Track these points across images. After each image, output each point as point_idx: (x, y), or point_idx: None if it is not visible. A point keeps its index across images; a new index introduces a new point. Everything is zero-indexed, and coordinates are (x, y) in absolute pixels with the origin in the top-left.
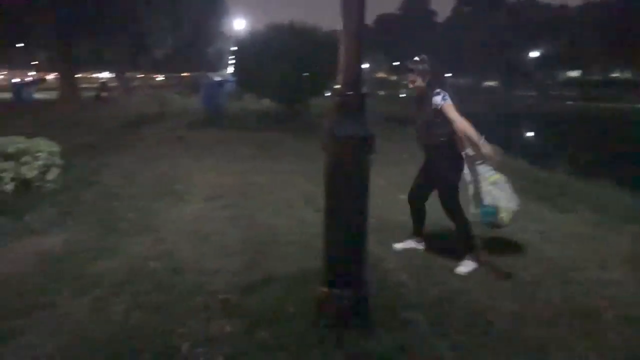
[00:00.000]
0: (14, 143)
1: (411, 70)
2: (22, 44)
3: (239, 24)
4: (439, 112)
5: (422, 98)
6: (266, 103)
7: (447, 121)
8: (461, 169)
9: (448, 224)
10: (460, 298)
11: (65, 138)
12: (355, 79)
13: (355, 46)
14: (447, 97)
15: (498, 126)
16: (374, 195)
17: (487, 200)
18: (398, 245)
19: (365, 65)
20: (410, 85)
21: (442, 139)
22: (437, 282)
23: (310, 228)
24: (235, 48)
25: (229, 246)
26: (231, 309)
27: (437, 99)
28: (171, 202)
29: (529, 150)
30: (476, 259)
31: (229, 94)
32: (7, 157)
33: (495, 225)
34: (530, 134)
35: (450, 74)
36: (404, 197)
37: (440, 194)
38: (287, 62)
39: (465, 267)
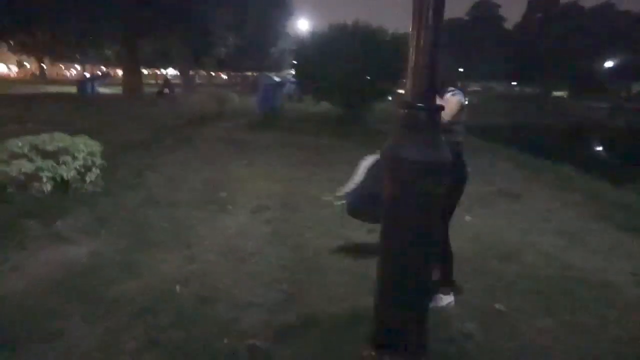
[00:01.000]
0: (55, 141)
1: None
2: (93, 40)
3: (302, 24)
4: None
5: None
6: (326, 106)
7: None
8: None
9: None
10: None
11: (119, 134)
12: (428, 90)
13: (430, 46)
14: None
15: (572, 140)
16: None
17: None
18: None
19: None
20: None
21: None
22: (511, 334)
23: (363, 254)
24: (296, 48)
25: (268, 272)
26: (258, 359)
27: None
28: (212, 212)
29: (606, 168)
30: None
31: (287, 96)
32: (46, 155)
33: None
34: (602, 148)
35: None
36: (470, 219)
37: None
38: (349, 64)
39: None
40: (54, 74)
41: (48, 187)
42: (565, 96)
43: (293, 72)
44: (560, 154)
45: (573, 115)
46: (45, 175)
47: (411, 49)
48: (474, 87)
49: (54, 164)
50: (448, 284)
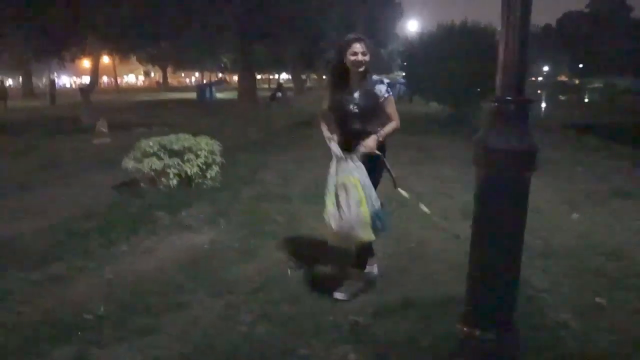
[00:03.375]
0: (180, 140)
1: (361, 40)
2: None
3: (412, 25)
4: (380, 105)
5: (362, 81)
6: (434, 106)
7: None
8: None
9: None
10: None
11: (235, 136)
12: (517, 82)
13: (518, 43)
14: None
15: None
16: (543, 213)
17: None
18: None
19: (545, 68)
20: (361, 58)
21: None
22: (609, 328)
23: (465, 245)
24: (405, 49)
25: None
26: (360, 333)
27: (383, 88)
28: (322, 206)
29: None
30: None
31: (397, 97)
32: (173, 154)
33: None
34: None
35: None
36: (577, 216)
37: None
38: (457, 64)
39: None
40: (176, 82)
41: (174, 182)
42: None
43: (402, 73)
44: None
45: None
46: (172, 171)
47: (500, 47)
48: (595, 83)
49: (180, 162)
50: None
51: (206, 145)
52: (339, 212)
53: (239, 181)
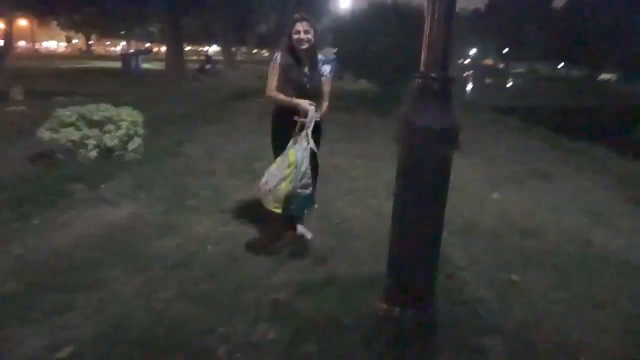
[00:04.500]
0: (100, 111)
1: (303, 20)
2: (137, 16)
3: (344, 2)
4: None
5: (310, 59)
6: (363, 84)
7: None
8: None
9: None
10: (550, 325)
11: (161, 108)
12: (441, 59)
13: (443, 18)
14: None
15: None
16: (465, 192)
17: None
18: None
19: (472, 51)
20: (304, 37)
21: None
22: (524, 303)
23: (389, 222)
24: (336, 26)
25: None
26: (280, 311)
27: (327, 69)
28: (247, 182)
29: None
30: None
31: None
32: (92, 124)
33: None
34: None
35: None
36: (498, 196)
37: None
38: (388, 42)
39: None
40: (101, 50)
41: (93, 153)
42: (613, 80)
43: (334, 50)
44: (600, 137)
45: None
46: (91, 142)
47: (426, 22)
48: (518, 68)
49: (99, 133)
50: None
51: (128, 116)
52: (267, 174)
53: (163, 154)
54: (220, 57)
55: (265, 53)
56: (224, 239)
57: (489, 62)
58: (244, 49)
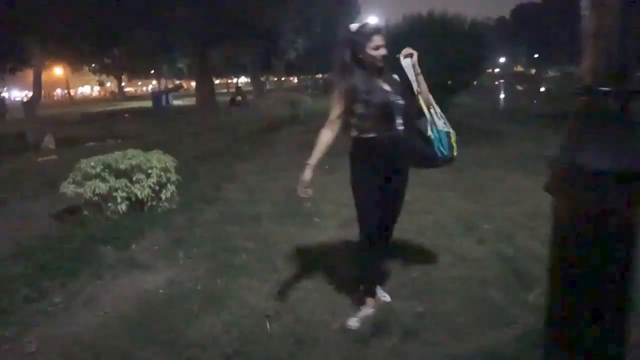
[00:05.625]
0: (127, 158)
1: (382, 31)
2: (165, 54)
3: (371, 21)
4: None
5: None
6: None
7: None
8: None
9: None
10: None
11: (194, 146)
12: (619, 63)
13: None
14: None
15: None
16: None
17: None
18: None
19: (501, 59)
20: (384, 52)
21: None
22: None
23: (477, 270)
24: None
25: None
26: None
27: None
28: (298, 226)
29: None
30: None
31: None
32: (120, 174)
33: None
34: None
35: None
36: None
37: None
38: (427, 57)
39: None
40: (132, 90)
41: (123, 207)
42: None
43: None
44: None
45: None
46: (119, 195)
47: (589, 13)
48: (551, 73)
49: (128, 183)
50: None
51: (158, 162)
52: None
53: (200, 200)
54: (250, 88)
55: (294, 80)
56: (284, 311)
57: (519, 69)
58: (273, 78)
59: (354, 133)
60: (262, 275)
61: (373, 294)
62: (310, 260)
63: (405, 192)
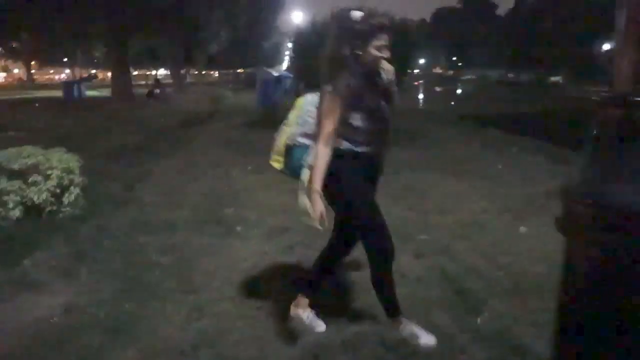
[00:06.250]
0: (22, 157)
1: (389, 30)
2: (79, 41)
3: (296, 17)
4: None
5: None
6: None
7: None
8: None
9: None
10: None
11: (107, 141)
12: None
13: None
14: None
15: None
16: (485, 229)
17: None
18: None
19: (421, 61)
20: (385, 56)
21: None
22: None
23: (419, 289)
24: (295, 39)
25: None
26: None
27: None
28: (219, 236)
29: None
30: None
31: (287, 90)
32: (13, 175)
33: None
34: None
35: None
36: (526, 230)
37: None
38: None
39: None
40: (43, 78)
41: (17, 213)
42: (561, 81)
43: (286, 66)
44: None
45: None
46: (12, 199)
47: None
48: (469, 75)
49: (22, 185)
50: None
51: (59, 162)
52: None
53: (109, 204)
54: (170, 81)
55: (215, 74)
56: (203, 344)
57: (438, 70)
58: (194, 71)
59: (343, 145)
60: (178, 297)
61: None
62: (234, 279)
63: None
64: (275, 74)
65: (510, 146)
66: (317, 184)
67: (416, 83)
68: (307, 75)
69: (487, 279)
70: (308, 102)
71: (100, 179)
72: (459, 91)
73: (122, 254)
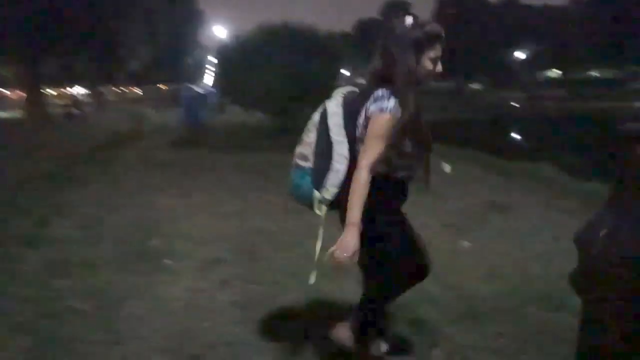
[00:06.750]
0: None
1: (444, 40)
2: None
3: (219, 32)
4: None
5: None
6: (254, 116)
7: None
8: None
9: None
10: None
11: (17, 168)
12: None
13: None
14: None
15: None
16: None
17: None
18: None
19: (346, 72)
20: (440, 70)
21: None
22: None
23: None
24: (216, 56)
25: None
26: None
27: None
28: (145, 274)
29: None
30: None
31: (212, 108)
32: None
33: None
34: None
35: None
36: (469, 244)
37: None
38: (280, 68)
39: None
40: None
41: None
42: (480, 89)
43: (212, 81)
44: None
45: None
46: None
47: None
48: None
49: None
50: None
51: None
52: None
53: (18, 243)
54: (89, 100)
55: (139, 91)
56: None
57: (362, 81)
58: (114, 88)
59: (382, 169)
60: (101, 351)
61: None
62: (164, 324)
63: None
64: (200, 90)
65: (441, 156)
66: (357, 217)
67: None
68: (233, 91)
69: (439, 304)
70: (311, 121)
71: (7, 215)
72: None
73: (34, 303)
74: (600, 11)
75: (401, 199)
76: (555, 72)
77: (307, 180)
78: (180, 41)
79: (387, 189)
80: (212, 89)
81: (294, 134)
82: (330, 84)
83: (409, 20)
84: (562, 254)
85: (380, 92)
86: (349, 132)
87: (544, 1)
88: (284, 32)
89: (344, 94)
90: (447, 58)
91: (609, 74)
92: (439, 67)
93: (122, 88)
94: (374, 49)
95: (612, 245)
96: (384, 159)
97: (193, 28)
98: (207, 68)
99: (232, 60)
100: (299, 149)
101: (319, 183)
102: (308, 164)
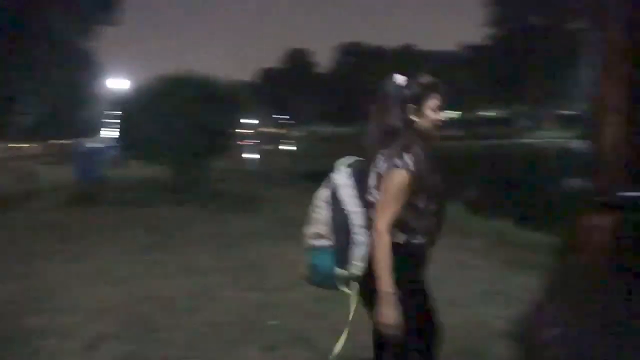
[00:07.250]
0: None
1: (441, 89)
2: None
3: (119, 84)
4: None
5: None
6: (154, 171)
7: None
8: None
9: None
10: None
11: None
12: None
13: None
14: None
15: None
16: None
17: None
18: None
19: (255, 121)
20: (443, 118)
21: None
22: None
23: None
24: (116, 108)
25: None
26: None
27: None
28: (21, 356)
29: None
30: None
31: (110, 162)
32: None
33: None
34: None
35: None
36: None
37: None
38: (180, 119)
39: None
40: None
41: None
42: None
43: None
44: None
45: None
46: None
47: None
48: (299, 132)
49: None
50: None
51: None
52: None
53: None
54: None
55: (35, 146)
56: None
57: (270, 130)
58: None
59: (400, 237)
60: None
61: None
62: None
63: None
64: (99, 144)
65: None
66: (388, 283)
67: (242, 142)
68: (134, 143)
69: None
70: (318, 196)
71: None
72: (294, 148)
73: None
74: (489, 56)
75: (420, 267)
76: (455, 113)
77: (326, 259)
78: (77, 94)
79: (405, 257)
80: (112, 143)
81: (195, 189)
82: (232, 133)
83: (399, 78)
84: (472, 298)
85: (389, 150)
86: (363, 201)
87: (437, 47)
88: (186, 82)
89: (349, 164)
90: (344, 104)
91: (498, 113)
92: (442, 115)
93: (15, 144)
94: (371, 113)
95: (571, 349)
96: (400, 223)
97: (91, 80)
98: (106, 121)
99: (132, 111)
100: (311, 229)
101: (343, 260)
102: (326, 242)
